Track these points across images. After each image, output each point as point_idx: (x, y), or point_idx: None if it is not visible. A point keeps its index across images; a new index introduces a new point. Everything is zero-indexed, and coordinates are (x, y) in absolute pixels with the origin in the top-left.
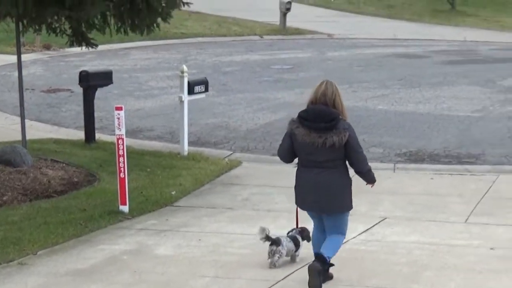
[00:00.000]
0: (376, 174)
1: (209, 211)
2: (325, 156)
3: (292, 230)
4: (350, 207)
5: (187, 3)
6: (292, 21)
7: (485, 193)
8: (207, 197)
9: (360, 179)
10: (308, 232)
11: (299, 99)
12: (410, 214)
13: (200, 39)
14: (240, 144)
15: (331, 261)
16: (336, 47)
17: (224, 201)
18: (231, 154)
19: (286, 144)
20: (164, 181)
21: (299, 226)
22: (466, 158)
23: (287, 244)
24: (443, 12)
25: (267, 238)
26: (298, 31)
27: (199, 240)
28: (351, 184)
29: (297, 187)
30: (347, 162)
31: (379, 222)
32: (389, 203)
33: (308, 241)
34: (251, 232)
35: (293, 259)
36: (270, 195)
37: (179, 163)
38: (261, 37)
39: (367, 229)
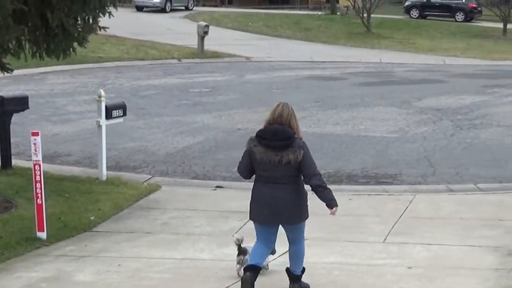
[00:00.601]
0: None
1: (129, 236)
2: (281, 172)
3: None
4: (307, 216)
5: (104, 28)
6: (210, 44)
7: (403, 213)
8: (126, 222)
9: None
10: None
11: (217, 122)
12: (329, 235)
13: (118, 63)
14: (159, 168)
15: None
16: (254, 70)
17: (143, 226)
18: (150, 178)
19: (245, 162)
20: (83, 207)
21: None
22: (384, 178)
23: None
24: (358, 34)
25: (238, 247)
26: (216, 54)
27: (119, 265)
28: (306, 197)
29: (253, 202)
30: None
31: None
32: (308, 224)
33: (274, 253)
34: (170, 256)
35: (263, 268)
36: (190, 219)
37: (97, 188)
38: (179, 61)
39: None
